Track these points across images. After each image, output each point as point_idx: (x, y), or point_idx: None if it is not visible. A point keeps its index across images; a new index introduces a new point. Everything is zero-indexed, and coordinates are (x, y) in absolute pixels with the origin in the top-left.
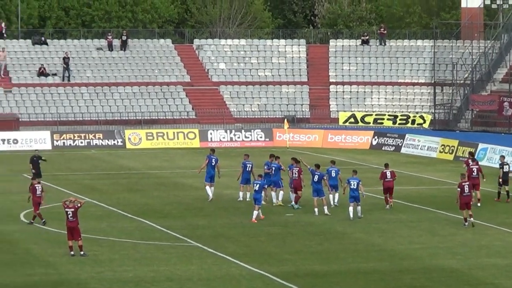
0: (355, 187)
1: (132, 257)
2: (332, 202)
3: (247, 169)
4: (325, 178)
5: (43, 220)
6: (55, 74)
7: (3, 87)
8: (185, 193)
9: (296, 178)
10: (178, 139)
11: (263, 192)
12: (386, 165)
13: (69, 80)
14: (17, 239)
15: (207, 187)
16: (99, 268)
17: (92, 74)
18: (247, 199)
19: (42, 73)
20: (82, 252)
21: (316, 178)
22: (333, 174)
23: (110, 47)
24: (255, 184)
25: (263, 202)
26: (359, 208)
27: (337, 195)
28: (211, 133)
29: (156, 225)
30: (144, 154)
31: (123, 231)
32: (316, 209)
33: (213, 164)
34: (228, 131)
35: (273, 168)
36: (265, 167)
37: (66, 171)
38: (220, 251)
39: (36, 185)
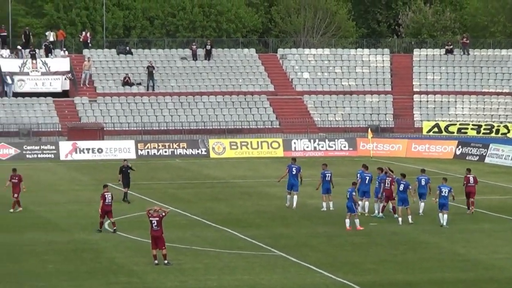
0: (445, 195)
1: (216, 266)
2: (420, 211)
3: (327, 179)
4: (410, 187)
5: (114, 229)
6: (140, 84)
7: (88, 97)
8: (269, 202)
9: (388, 188)
10: (262, 148)
11: (360, 202)
12: (469, 170)
13: (153, 90)
14: (102, 248)
15: (288, 196)
16: (183, 277)
17: (176, 84)
18: (331, 208)
19: (126, 82)
20: (166, 261)
21: (401, 187)
22: (423, 183)
23: (195, 56)
24: (347, 193)
25: (362, 212)
26: (445, 216)
27: (423, 204)
28: (294, 143)
29: (239, 234)
30: (228, 163)
31: (207, 240)
32: (400, 219)
33: (293, 173)
34: (312, 140)
35: (367, 178)
36: (358, 176)
37: (150, 180)
38: (303, 260)
39: (106, 194)
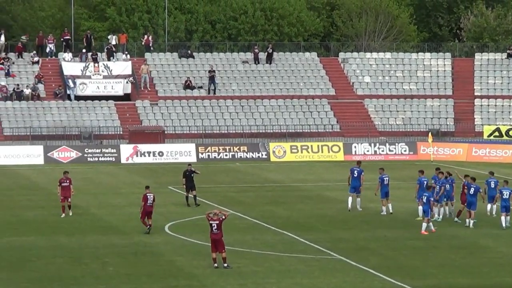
0: (507, 197)
1: (275, 270)
2: (490, 213)
3: (385, 183)
4: (481, 191)
5: (148, 228)
6: (201, 87)
7: (150, 100)
8: (329, 206)
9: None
10: (322, 152)
11: (435, 207)
12: None
13: (214, 93)
14: (162, 251)
15: (349, 197)
16: (243, 280)
17: (238, 87)
18: (390, 212)
19: (188, 86)
20: (225, 264)
21: (472, 190)
22: (492, 185)
23: (256, 60)
24: (423, 196)
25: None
26: (508, 218)
27: (494, 206)
28: (355, 146)
29: (299, 237)
30: (288, 167)
31: (266, 243)
32: (469, 220)
33: (355, 175)
34: (372, 144)
35: (425, 182)
36: (432, 181)
37: (211, 183)
38: (363, 264)
39: (148, 194)
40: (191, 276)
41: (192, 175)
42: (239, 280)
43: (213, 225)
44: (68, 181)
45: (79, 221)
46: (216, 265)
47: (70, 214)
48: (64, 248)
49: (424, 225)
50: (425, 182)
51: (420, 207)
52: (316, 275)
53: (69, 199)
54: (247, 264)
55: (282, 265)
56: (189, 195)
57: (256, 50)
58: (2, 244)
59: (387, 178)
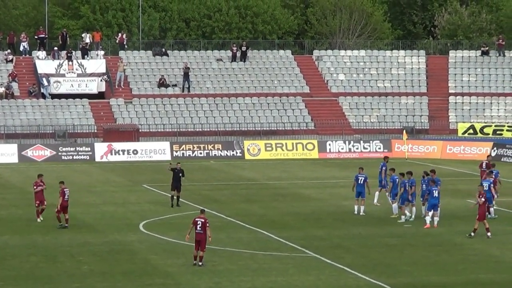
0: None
1: (250, 268)
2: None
3: (359, 182)
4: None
5: (60, 224)
6: (175, 85)
7: (124, 98)
8: (303, 204)
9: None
10: (297, 150)
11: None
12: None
13: (189, 91)
14: (137, 249)
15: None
16: (217, 278)
17: (212, 85)
18: (361, 213)
19: (162, 84)
20: (200, 263)
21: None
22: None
23: (234, 58)
24: (434, 190)
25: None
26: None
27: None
28: (329, 144)
29: (274, 235)
30: (263, 165)
31: (241, 241)
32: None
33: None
34: (347, 142)
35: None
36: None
37: (185, 181)
38: (337, 262)
39: (65, 190)
40: (166, 275)
41: (180, 174)
42: (213, 278)
43: (198, 222)
44: (43, 184)
45: (54, 219)
46: (195, 262)
47: (41, 219)
48: (38, 247)
49: (428, 218)
50: (397, 179)
51: (395, 205)
52: (291, 273)
53: (45, 202)
54: (222, 262)
55: (257, 263)
56: (174, 195)
57: (234, 48)
58: None
59: (362, 178)
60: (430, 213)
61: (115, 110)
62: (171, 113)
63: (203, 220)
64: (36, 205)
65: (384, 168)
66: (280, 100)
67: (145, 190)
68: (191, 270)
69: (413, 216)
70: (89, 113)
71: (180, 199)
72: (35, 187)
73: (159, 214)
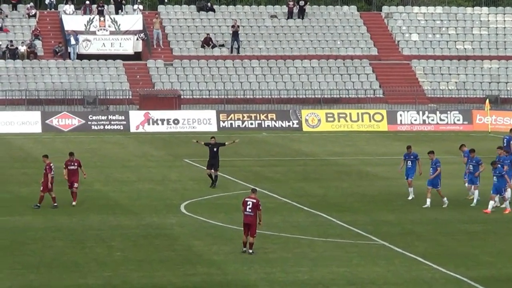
0: None
1: (308, 256)
2: None
3: (408, 165)
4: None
5: (37, 205)
6: (223, 45)
7: (163, 60)
8: (370, 183)
9: None
10: (362, 121)
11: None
12: None
13: (238, 52)
14: (178, 234)
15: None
16: (270, 268)
17: (265, 46)
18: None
19: (207, 44)
20: (250, 251)
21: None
22: None
23: (291, 14)
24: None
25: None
26: None
27: None
28: (400, 115)
29: (335, 219)
30: (323, 138)
31: (298, 226)
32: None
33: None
34: (421, 112)
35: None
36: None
37: (233, 156)
38: (409, 251)
39: (51, 164)
40: (211, 263)
41: (215, 149)
42: (265, 268)
43: (248, 203)
44: (76, 164)
45: (82, 199)
46: (244, 249)
47: (74, 203)
48: (64, 230)
49: (492, 203)
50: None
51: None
52: (354, 263)
53: (76, 184)
54: (275, 250)
55: (316, 251)
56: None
57: (291, 3)
58: None
59: (413, 160)
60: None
61: (153, 74)
62: (217, 77)
63: (254, 201)
64: (68, 186)
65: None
66: (344, 64)
67: (187, 165)
68: (240, 259)
69: (475, 200)
70: (123, 76)
71: (217, 179)
72: (66, 166)
73: (203, 193)
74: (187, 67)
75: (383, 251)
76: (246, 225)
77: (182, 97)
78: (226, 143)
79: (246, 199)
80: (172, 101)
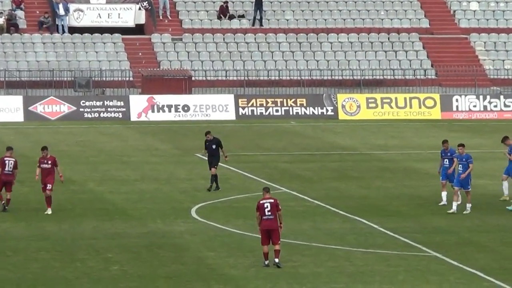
0: None
1: (345, 271)
2: None
3: (445, 163)
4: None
5: (3, 204)
6: (243, 16)
7: (171, 34)
8: (419, 183)
9: None
10: (411, 107)
11: None
12: None
13: (261, 25)
14: (187, 244)
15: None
16: (298, 285)
17: (293, 17)
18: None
19: (224, 14)
20: (277, 260)
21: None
22: None
23: None
24: None
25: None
26: None
27: None
28: (457, 100)
29: (378, 226)
30: (363, 128)
31: (332, 234)
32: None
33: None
34: (481, 96)
35: None
36: None
37: (255, 150)
38: (467, 265)
39: (6, 159)
40: (227, 279)
41: (214, 146)
42: (293, 285)
43: (265, 206)
44: (49, 162)
45: (73, 201)
46: (267, 262)
47: (49, 212)
48: (51, 239)
49: None
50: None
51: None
52: (401, 279)
53: (50, 186)
54: (305, 263)
55: (354, 264)
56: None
57: None
58: None
59: (450, 158)
60: None
61: (158, 50)
62: (236, 54)
63: (271, 201)
64: (42, 188)
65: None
66: (389, 38)
67: (199, 161)
68: (262, 274)
69: None
70: (123, 54)
71: (218, 178)
72: (39, 164)
73: (219, 194)
74: (199, 42)
75: (436, 264)
76: (266, 232)
77: (193, 78)
78: (223, 152)
79: (262, 202)
80: (181, 83)
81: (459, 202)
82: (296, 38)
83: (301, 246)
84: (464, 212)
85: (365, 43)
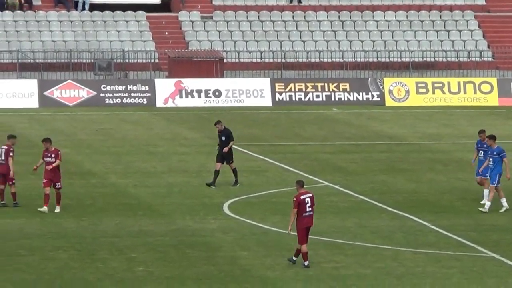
0: None
1: (393, 273)
2: None
3: (480, 155)
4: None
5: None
6: None
7: (200, 11)
8: (474, 177)
9: None
10: (465, 92)
11: None
12: None
13: (300, 1)
14: (219, 243)
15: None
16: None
17: None
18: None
19: None
20: (306, 263)
21: None
22: None
23: None
24: None
25: None
26: None
27: None
28: None
29: (429, 224)
30: (412, 116)
31: (379, 232)
32: None
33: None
34: None
35: None
36: None
37: (293, 139)
38: None
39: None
40: (263, 281)
41: (223, 138)
42: None
43: (306, 201)
44: (53, 155)
45: (93, 195)
46: (307, 263)
47: (57, 210)
48: (69, 237)
49: None
50: None
51: None
52: (455, 282)
53: (58, 184)
54: (350, 264)
55: (403, 265)
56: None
57: None
58: None
59: (485, 151)
60: None
61: (186, 30)
62: (272, 34)
63: (310, 195)
64: (43, 184)
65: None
66: (441, 17)
67: (232, 152)
68: (302, 275)
69: None
70: (147, 33)
71: (237, 173)
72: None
73: (254, 188)
74: (231, 20)
75: (493, 266)
76: (306, 229)
77: (225, 60)
78: (231, 144)
79: (302, 197)
80: (212, 66)
81: (504, 198)
82: (339, 16)
83: (345, 245)
84: (482, 210)
85: (414, 21)
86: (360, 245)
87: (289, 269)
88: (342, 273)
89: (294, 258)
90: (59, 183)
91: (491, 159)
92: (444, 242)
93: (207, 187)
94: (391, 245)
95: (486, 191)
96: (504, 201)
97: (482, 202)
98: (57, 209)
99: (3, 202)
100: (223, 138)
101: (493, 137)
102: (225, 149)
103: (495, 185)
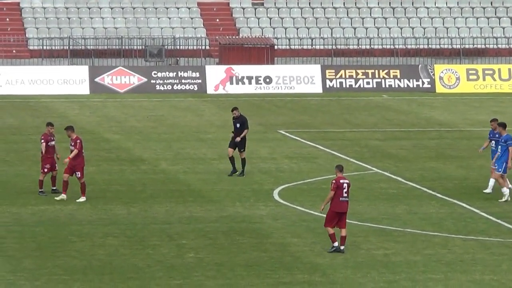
0: None
1: (443, 259)
2: None
3: (492, 145)
4: None
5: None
6: None
7: None
8: None
9: None
10: None
11: None
12: None
13: None
14: (269, 229)
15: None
16: (392, 275)
17: None
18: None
19: None
20: (342, 247)
21: None
22: None
23: None
24: None
25: None
26: None
27: None
28: None
29: (479, 211)
30: (463, 102)
31: (428, 219)
32: None
33: (492, 147)
34: None
35: None
36: None
37: (343, 126)
38: None
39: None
40: (313, 268)
41: (238, 124)
42: (386, 275)
43: (344, 186)
44: (77, 144)
45: (144, 182)
46: (337, 243)
47: (61, 197)
48: (119, 223)
49: None
50: None
51: None
52: (505, 269)
53: (78, 173)
54: (399, 250)
55: (453, 252)
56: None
57: None
58: (26, 215)
59: (497, 140)
60: None
61: (237, 16)
62: (322, 21)
63: (348, 182)
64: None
65: None
66: (491, 3)
67: (283, 138)
68: (351, 262)
69: None
70: (198, 20)
71: (246, 163)
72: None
73: (304, 175)
74: (282, 7)
75: None
76: (338, 214)
77: (275, 47)
78: (245, 133)
79: (341, 181)
80: (263, 53)
81: (510, 186)
82: (389, 3)
83: (395, 232)
84: (501, 200)
85: (465, 8)
86: (410, 232)
87: (339, 256)
88: (392, 259)
89: (336, 244)
90: (79, 172)
91: (499, 147)
92: (494, 229)
93: (258, 173)
94: (441, 232)
95: (492, 181)
96: (505, 191)
97: (485, 191)
98: (81, 199)
99: (54, 187)
100: (238, 125)
101: (503, 125)
102: (237, 139)
103: (501, 172)
